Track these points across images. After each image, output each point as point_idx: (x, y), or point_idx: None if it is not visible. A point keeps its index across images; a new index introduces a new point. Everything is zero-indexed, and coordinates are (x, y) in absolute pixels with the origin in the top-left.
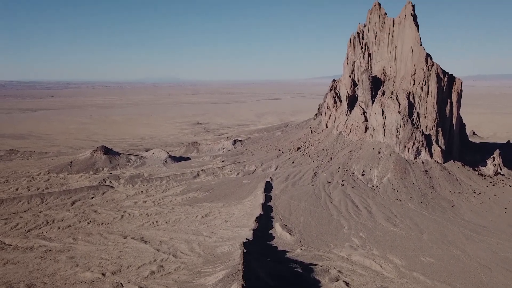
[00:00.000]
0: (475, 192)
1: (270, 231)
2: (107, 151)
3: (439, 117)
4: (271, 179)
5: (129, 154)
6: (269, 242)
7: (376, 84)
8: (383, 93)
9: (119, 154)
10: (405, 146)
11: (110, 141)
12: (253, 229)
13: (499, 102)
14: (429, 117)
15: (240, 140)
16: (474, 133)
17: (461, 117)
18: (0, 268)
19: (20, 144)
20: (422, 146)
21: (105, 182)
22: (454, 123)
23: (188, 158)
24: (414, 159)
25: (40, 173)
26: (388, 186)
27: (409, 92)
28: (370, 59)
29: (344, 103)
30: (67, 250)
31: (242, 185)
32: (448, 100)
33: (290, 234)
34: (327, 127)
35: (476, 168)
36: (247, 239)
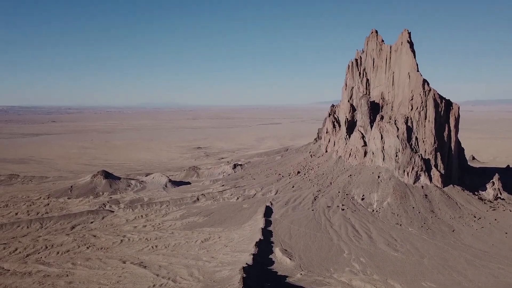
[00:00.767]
0: (475, 217)
1: (270, 256)
2: (107, 175)
3: (437, 142)
4: (271, 204)
5: (130, 179)
6: (269, 267)
7: (374, 109)
8: (382, 118)
9: (119, 178)
10: (404, 171)
11: (110, 165)
12: (253, 254)
13: (498, 127)
14: (427, 142)
15: (240, 164)
16: (473, 158)
17: (459, 141)
18: None
19: (21, 168)
20: (421, 170)
21: (105, 206)
22: (452, 147)
23: (188, 183)
24: (414, 184)
25: (40, 197)
26: (388, 210)
27: (407, 117)
28: (368, 85)
29: (343, 128)
30: (66, 275)
31: (242, 210)
32: (446, 125)
33: (290, 259)
34: (326, 151)
35: (476, 193)
36: (247, 264)
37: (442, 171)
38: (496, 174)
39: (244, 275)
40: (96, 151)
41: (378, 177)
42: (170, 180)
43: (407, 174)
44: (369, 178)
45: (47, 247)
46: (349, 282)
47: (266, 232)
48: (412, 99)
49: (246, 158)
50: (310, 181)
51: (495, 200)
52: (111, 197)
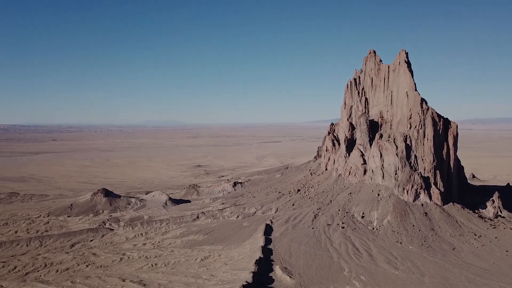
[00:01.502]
0: (475, 235)
1: (270, 274)
2: (107, 193)
3: (436, 160)
4: (271, 222)
5: (130, 197)
6: (269, 285)
7: (373, 128)
8: (381, 136)
9: (119, 196)
10: (404, 188)
11: (111, 183)
12: (253, 272)
13: (498, 145)
14: (426, 160)
15: (240, 182)
16: (473, 176)
17: (459, 159)
18: None
19: (21, 187)
20: (421, 188)
21: (104, 224)
22: (452, 165)
23: (188, 201)
24: (414, 201)
25: (40, 215)
26: (388, 228)
27: (406, 135)
28: (367, 104)
29: (343, 146)
30: None
31: (242, 228)
32: (445, 143)
33: (290, 277)
34: (326, 169)
35: (476, 211)
36: (246, 282)
37: (442, 189)
38: (496, 192)
39: None
40: (97, 170)
41: (378, 195)
42: (170, 198)
43: (407, 192)
44: (369, 196)
45: (46, 265)
46: None
47: (266, 250)
48: (410, 117)
49: (246, 176)
50: (310, 199)
51: (495, 218)
52: (111, 215)
